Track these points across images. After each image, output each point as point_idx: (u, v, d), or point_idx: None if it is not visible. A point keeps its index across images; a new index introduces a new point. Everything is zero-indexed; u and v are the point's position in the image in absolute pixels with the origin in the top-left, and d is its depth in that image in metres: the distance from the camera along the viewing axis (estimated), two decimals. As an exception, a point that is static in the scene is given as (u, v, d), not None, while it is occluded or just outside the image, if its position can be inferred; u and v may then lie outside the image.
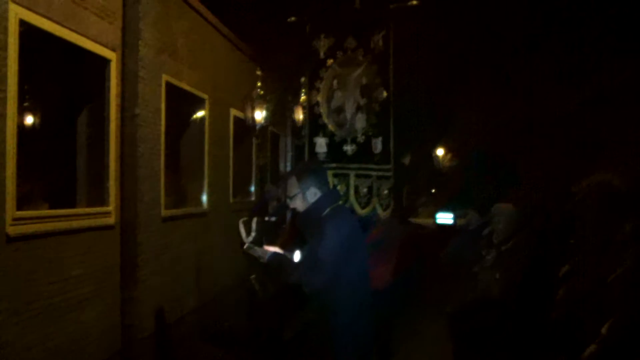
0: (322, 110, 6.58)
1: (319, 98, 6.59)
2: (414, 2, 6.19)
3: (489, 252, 5.33)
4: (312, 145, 6.65)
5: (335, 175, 6.47)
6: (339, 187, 6.42)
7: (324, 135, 6.57)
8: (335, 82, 6.57)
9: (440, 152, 37.85)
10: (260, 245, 4.63)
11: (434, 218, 24.43)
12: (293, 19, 6.87)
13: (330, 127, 6.55)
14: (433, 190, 38.43)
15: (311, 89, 6.69)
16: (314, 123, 6.65)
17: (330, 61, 6.57)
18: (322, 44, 6.63)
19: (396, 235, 7.37)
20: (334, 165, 6.42)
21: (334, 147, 6.54)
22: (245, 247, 4.52)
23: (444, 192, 36.21)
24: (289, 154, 15.46)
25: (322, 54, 6.62)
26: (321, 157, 6.54)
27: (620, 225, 3.10)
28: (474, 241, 6.39)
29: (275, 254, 4.29)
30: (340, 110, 6.53)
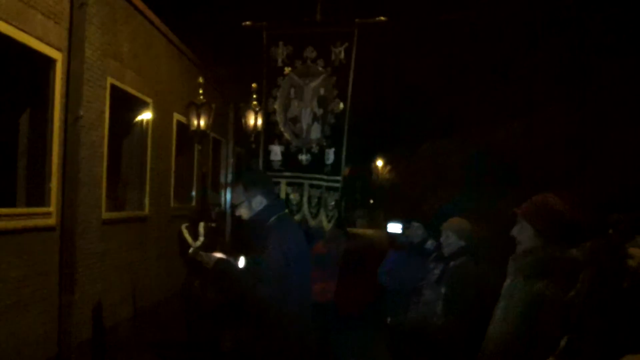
0: (279, 118, 6.59)
1: (276, 106, 6.60)
2: (382, 19, 6.27)
3: (436, 266, 5.41)
4: (267, 152, 6.66)
5: (289, 184, 6.49)
6: (292, 196, 6.43)
7: (280, 144, 6.57)
8: (292, 91, 6.56)
9: (379, 163, 38.28)
10: (209, 250, 4.64)
11: (372, 228, 24.68)
12: (248, 23, 6.86)
13: (287, 135, 6.56)
14: (371, 201, 38.88)
15: (268, 96, 6.69)
16: (270, 131, 6.66)
17: (288, 69, 6.57)
18: (280, 52, 6.64)
19: (336, 246, 7.44)
20: (288, 174, 6.41)
21: (289, 156, 6.53)
22: (190, 251, 4.53)
23: (382, 203, 36.64)
24: (231, 160, 15.45)
25: (279, 62, 6.63)
26: (276, 165, 6.53)
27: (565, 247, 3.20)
28: (416, 255, 6.51)
29: (220, 259, 4.31)
30: (296, 120, 6.54)
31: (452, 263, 5.23)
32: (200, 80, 7.80)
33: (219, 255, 4.39)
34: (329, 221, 6.42)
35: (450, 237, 5.35)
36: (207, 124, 7.59)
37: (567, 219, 3.26)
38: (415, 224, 6.67)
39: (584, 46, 10.76)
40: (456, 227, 5.38)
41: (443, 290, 5.16)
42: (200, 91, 7.58)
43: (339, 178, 6.33)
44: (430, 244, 6.50)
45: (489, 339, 3.35)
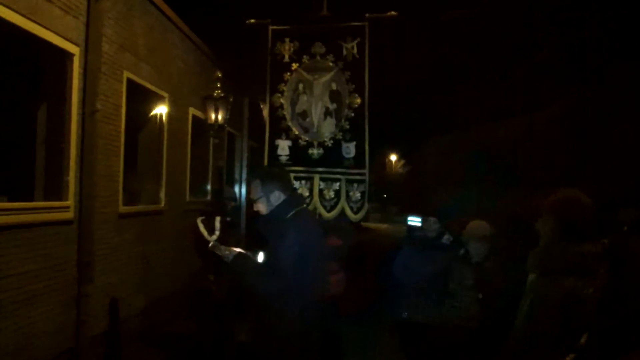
0: (286, 113, 6.61)
1: (283, 101, 6.63)
2: (392, 13, 6.28)
3: (468, 271, 5.41)
4: (274, 147, 6.67)
5: (296, 179, 6.51)
6: (299, 190, 6.48)
7: (287, 138, 6.61)
8: (300, 86, 6.60)
9: (392, 157, 38.26)
10: (225, 244, 4.66)
11: (384, 223, 24.70)
12: (252, 21, 6.87)
13: (295, 130, 6.59)
14: (384, 196, 38.85)
15: (274, 92, 6.72)
16: (276, 125, 6.68)
17: (295, 65, 6.60)
18: (287, 48, 6.66)
19: (349, 242, 7.45)
20: (297, 168, 6.45)
21: (298, 151, 6.57)
22: (210, 245, 4.54)
23: (395, 197, 36.61)
24: (245, 155, 15.47)
25: (286, 58, 6.65)
26: (283, 159, 6.57)
27: (589, 242, 3.18)
28: (432, 249, 6.50)
29: (239, 254, 4.33)
30: (305, 114, 6.56)
31: (486, 264, 5.26)
32: (219, 74, 7.81)
33: (237, 249, 4.41)
34: (355, 212, 6.48)
35: (476, 245, 5.35)
36: (224, 118, 7.60)
37: (594, 214, 3.24)
38: (431, 219, 6.65)
39: (584, 46, 10.72)
40: (479, 234, 5.38)
41: (480, 295, 5.18)
42: (218, 85, 7.59)
43: (364, 171, 6.40)
44: (446, 238, 6.49)
45: (516, 334, 3.34)
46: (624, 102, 9.94)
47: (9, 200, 6.01)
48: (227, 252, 4.34)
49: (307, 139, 6.55)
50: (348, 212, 6.43)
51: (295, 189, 6.43)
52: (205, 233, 7.21)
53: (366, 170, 6.42)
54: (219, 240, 6.78)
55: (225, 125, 7.81)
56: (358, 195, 6.38)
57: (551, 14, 10.87)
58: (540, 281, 3.22)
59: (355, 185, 6.39)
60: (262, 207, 4.33)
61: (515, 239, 5.71)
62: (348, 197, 6.40)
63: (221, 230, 7.21)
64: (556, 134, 11.54)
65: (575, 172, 10.26)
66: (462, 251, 5.69)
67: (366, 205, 6.45)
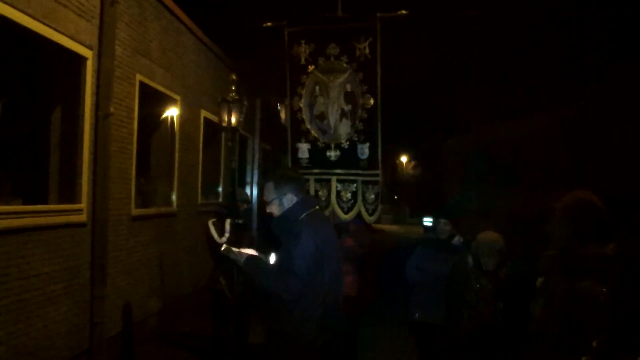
0: (305, 116, 6.61)
1: (301, 104, 6.63)
2: (403, 12, 6.25)
3: (484, 282, 5.40)
4: (295, 150, 6.69)
5: (317, 181, 6.52)
6: (320, 193, 6.48)
7: (307, 141, 6.60)
8: (317, 88, 6.58)
9: (403, 159, 38.21)
10: (235, 246, 4.68)
11: (396, 224, 24.68)
12: (269, 24, 6.87)
13: (313, 132, 6.59)
14: (395, 197, 38.81)
15: (293, 95, 6.71)
16: (297, 129, 6.68)
17: (311, 67, 6.58)
18: (303, 50, 6.65)
19: (364, 242, 7.47)
20: (316, 170, 6.46)
21: (317, 153, 6.56)
22: (222, 248, 4.56)
23: (407, 199, 36.61)
24: (257, 157, 15.51)
25: (302, 60, 6.65)
26: (303, 162, 6.56)
27: (600, 245, 3.17)
28: (444, 250, 6.51)
29: (251, 257, 4.34)
30: (322, 116, 6.55)
31: (500, 273, 5.29)
32: (233, 77, 7.82)
33: (249, 251, 4.43)
34: (370, 214, 6.47)
35: (488, 259, 5.37)
36: (237, 121, 7.62)
37: (608, 216, 3.23)
38: (442, 220, 6.67)
39: (585, 46, 10.70)
40: (493, 248, 5.39)
41: (501, 305, 5.20)
42: (233, 87, 7.61)
43: (377, 172, 6.38)
44: (457, 240, 6.51)
45: (531, 336, 3.33)
46: (625, 102, 9.91)
47: (24, 203, 6.06)
48: (239, 256, 4.36)
49: (325, 141, 6.54)
50: (364, 213, 6.42)
51: (315, 191, 6.46)
52: (215, 235, 7.24)
53: (379, 172, 6.41)
54: (228, 242, 6.80)
55: (239, 128, 7.82)
56: (372, 196, 6.38)
57: (553, 14, 10.86)
58: (555, 283, 3.21)
59: (370, 186, 6.39)
60: (275, 209, 4.34)
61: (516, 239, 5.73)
62: (364, 199, 6.39)
63: (231, 232, 7.23)
64: (571, 133, 11.51)
65: (576, 172, 10.26)
66: (470, 261, 5.68)
67: (380, 207, 6.45)
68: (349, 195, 6.41)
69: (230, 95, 7.53)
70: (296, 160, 6.64)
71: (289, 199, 4.29)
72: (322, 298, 4.07)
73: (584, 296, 3.01)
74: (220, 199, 12.12)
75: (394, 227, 24.22)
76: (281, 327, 4.20)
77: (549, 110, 12.15)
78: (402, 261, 6.68)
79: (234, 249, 4.46)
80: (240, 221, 7.52)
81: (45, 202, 6.57)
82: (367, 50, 6.34)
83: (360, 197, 6.39)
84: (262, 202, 4.67)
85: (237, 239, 7.03)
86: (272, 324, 4.17)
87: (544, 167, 11.48)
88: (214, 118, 9.69)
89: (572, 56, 10.83)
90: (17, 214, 5.66)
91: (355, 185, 6.42)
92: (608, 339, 2.87)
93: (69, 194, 6.80)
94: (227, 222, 7.32)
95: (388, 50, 6.53)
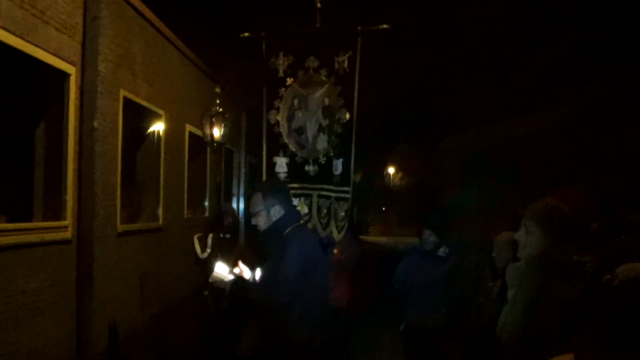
0: (282, 129, 6.59)
1: (279, 117, 6.60)
2: (385, 26, 6.24)
3: (494, 283, 5.43)
4: (271, 164, 6.65)
5: (295, 196, 6.47)
6: (299, 208, 6.45)
7: (285, 155, 6.57)
8: (296, 101, 6.54)
9: (391, 170, 38.27)
10: (218, 259, 4.71)
11: (384, 236, 24.68)
12: (246, 34, 6.83)
13: (291, 147, 6.55)
14: (383, 209, 38.80)
15: (269, 108, 6.68)
16: (273, 142, 6.65)
17: (290, 80, 6.56)
18: (281, 62, 6.61)
19: (351, 253, 7.51)
20: (295, 185, 6.40)
21: (295, 168, 6.52)
22: (210, 279, 4.62)
23: (395, 210, 36.61)
24: (243, 171, 15.49)
25: (281, 72, 6.61)
26: (281, 177, 6.53)
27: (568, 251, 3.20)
28: (429, 259, 6.55)
29: (235, 283, 4.37)
30: (301, 130, 6.53)
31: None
32: (217, 90, 7.83)
33: (231, 277, 4.46)
34: (339, 231, 6.43)
35: (499, 251, 5.39)
36: (222, 135, 7.62)
37: (576, 221, 3.26)
38: (427, 232, 6.72)
39: (584, 46, 10.75)
40: (502, 241, 5.42)
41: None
42: (218, 101, 7.61)
43: (348, 189, 6.32)
44: (442, 250, 6.56)
45: (507, 342, 3.36)
46: (625, 102, 9.97)
47: (8, 221, 6.02)
48: (223, 285, 4.41)
49: (303, 155, 6.51)
50: (334, 230, 6.39)
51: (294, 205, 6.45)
52: (198, 250, 7.27)
53: (350, 188, 6.34)
54: (210, 256, 6.84)
55: (224, 141, 7.82)
56: (342, 213, 6.33)
57: (552, 14, 10.91)
58: (528, 291, 3.24)
59: (341, 202, 6.34)
60: (261, 221, 4.35)
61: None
62: (336, 216, 6.36)
63: (214, 247, 7.24)
64: (558, 134, 11.57)
65: (575, 172, 10.30)
66: (445, 250, 5.70)
67: (347, 225, 6.39)
68: (325, 211, 6.39)
69: (214, 109, 7.53)
70: (273, 174, 6.60)
71: (277, 211, 4.31)
72: (309, 310, 4.08)
73: (558, 301, 3.05)
74: (207, 213, 12.09)
75: (381, 239, 24.20)
76: (279, 326, 4.21)
77: (549, 110, 12.20)
78: (390, 271, 6.72)
79: (217, 280, 4.50)
80: (227, 235, 7.53)
81: (30, 219, 6.53)
82: (346, 64, 6.31)
83: (333, 213, 6.35)
84: (249, 216, 4.67)
85: (223, 254, 7.04)
86: (270, 322, 4.17)
87: (544, 166, 11.51)
88: (199, 132, 9.68)
89: (571, 55, 10.87)
90: (1, 232, 5.62)
91: (330, 201, 6.39)
92: (589, 340, 2.89)
93: (54, 210, 6.76)
94: (209, 236, 7.33)
95: (369, 64, 6.52)
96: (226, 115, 7.66)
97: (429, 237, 6.62)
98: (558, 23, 11.00)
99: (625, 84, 9.90)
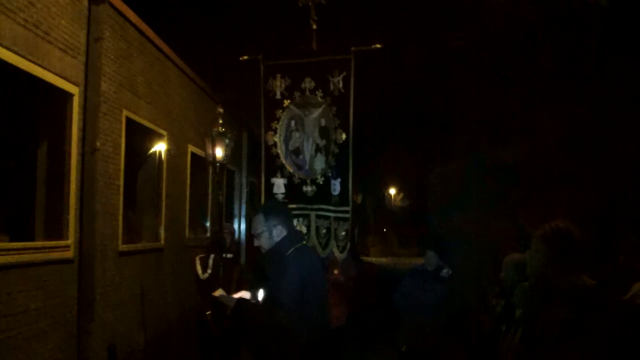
0: (280, 151, 6.60)
1: (276, 139, 6.61)
2: (377, 46, 6.27)
3: (498, 301, 5.41)
4: (270, 186, 6.65)
5: (294, 217, 6.49)
6: (298, 228, 6.43)
7: (282, 176, 6.58)
8: (293, 122, 6.56)
9: (392, 191, 38.31)
10: (218, 282, 4.73)
11: (385, 256, 24.68)
12: (245, 57, 6.87)
13: (289, 168, 6.56)
14: (384, 230, 38.78)
15: (267, 130, 6.69)
16: (271, 164, 6.66)
17: (287, 102, 6.59)
18: (278, 84, 6.64)
19: (351, 274, 7.51)
20: (293, 206, 6.38)
21: (293, 188, 6.52)
22: (215, 295, 4.63)
23: (395, 231, 36.60)
24: (245, 191, 15.52)
25: (278, 94, 6.64)
26: (279, 198, 6.53)
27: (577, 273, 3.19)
28: (432, 280, 6.55)
29: (240, 301, 4.37)
30: (298, 151, 6.54)
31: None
32: (220, 110, 7.85)
33: (237, 296, 4.47)
34: (341, 251, 6.42)
35: (507, 272, 5.39)
36: (224, 156, 7.63)
37: (583, 243, 3.25)
38: (430, 253, 6.73)
39: (584, 46, 10.76)
40: (511, 262, 5.41)
41: (504, 327, 5.22)
42: (220, 121, 7.63)
43: (347, 208, 6.32)
44: (445, 272, 6.56)
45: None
46: (625, 102, 9.96)
47: (11, 240, 6.03)
48: (228, 302, 4.41)
49: (301, 176, 6.52)
50: (335, 250, 6.38)
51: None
52: (200, 270, 7.27)
53: (349, 208, 6.34)
54: (211, 277, 6.84)
55: (226, 162, 7.83)
56: (343, 233, 6.32)
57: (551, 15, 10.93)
58: (538, 310, 3.23)
59: (341, 222, 6.33)
60: (263, 242, 4.33)
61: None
62: (336, 236, 6.35)
63: (214, 267, 7.23)
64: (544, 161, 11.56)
65: (575, 174, 10.27)
66: (448, 271, 5.70)
67: (349, 245, 6.39)
68: (324, 231, 6.38)
69: (215, 129, 7.55)
70: (271, 195, 6.60)
71: (279, 231, 4.29)
72: (309, 328, 4.08)
73: (564, 323, 3.04)
74: (208, 234, 12.09)
75: (382, 259, 24.20)
76: (279, 325, 4.20)
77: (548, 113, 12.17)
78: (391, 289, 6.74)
79: (223, 296, 4.53)
80: (229, 255, 7.52)
81: (32, 239, 6.53)
82: (341, 85, 6.33)
83: (333, 233, 6.34)
84: (251, 236, 4.67)
85: (225, 275, 7.04)
86: (269, 322, 4.15)
87: (544, 168, 11.47)
88: (201, 152, 9.71)
89: (572, 56, 10.87)
90: (3, 251, 5.63)
91: (328, 221, 6.39)
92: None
93: (56, 230, 6.77)
94: (210, 257, 7.33)
95: (362, 84, 6.54)
96: (228, 136, 7.66)
97: (432, 258, 6.64)
98: (558, 23, 11.03)
99: (625, 83, 9.89)
